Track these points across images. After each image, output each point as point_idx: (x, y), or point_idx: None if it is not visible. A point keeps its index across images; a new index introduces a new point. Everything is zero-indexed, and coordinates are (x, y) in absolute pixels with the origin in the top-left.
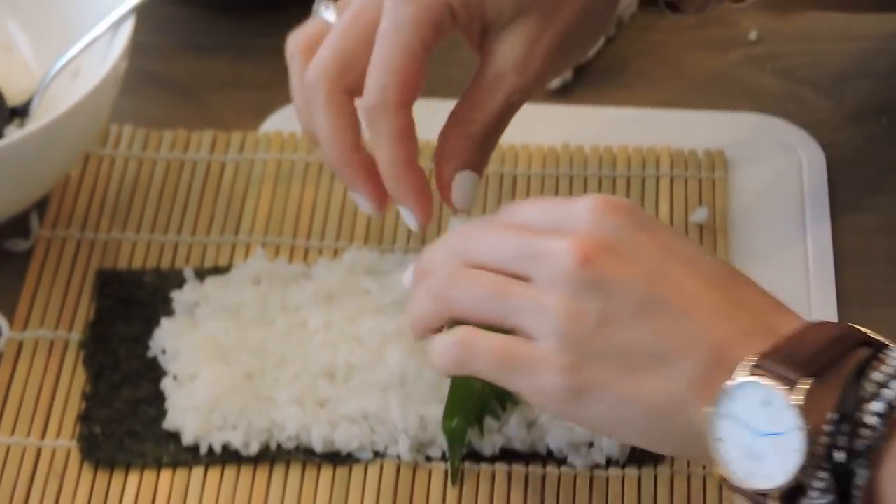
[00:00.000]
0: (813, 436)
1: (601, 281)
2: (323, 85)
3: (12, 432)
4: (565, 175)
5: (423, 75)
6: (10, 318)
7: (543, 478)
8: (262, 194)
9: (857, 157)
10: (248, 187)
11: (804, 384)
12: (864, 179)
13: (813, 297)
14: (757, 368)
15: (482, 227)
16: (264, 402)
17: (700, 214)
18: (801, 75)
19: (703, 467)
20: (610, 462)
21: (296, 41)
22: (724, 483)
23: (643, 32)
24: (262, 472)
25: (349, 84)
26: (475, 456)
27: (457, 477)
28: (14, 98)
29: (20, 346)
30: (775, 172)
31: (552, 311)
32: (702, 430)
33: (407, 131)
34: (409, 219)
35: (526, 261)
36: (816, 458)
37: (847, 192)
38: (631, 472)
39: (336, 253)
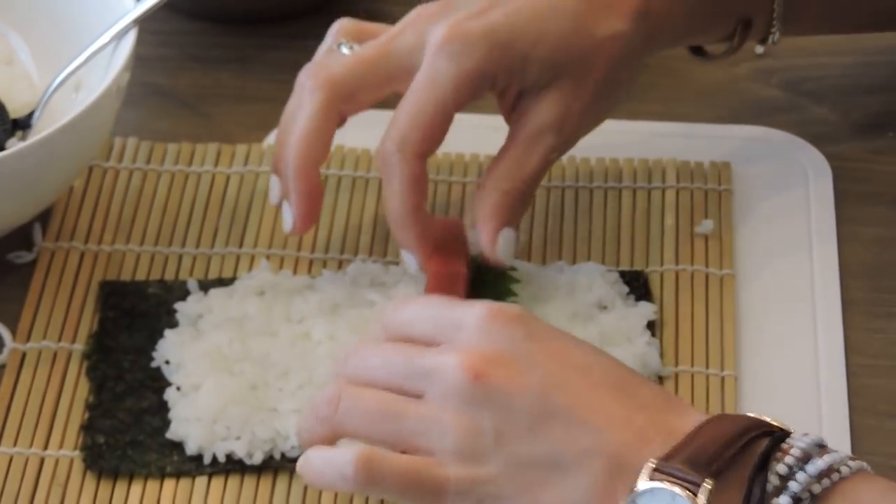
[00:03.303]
0: None
1: (494, 395)
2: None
3: (15, 443)
4: (571, 187)
5: (446, 131)
6: (13, 330)
7: None
8: (266, 207)
9: (862, 170)
10: (252, 200)
11: (708, 485)
12: (870, 192)
13: (818, 309)
14: (658, 473)
15: (364, 346)
16: (268, 412)
17: (706, 226)
18: (808, 88)
19: None
20: None
21: (316, 75)
22: None
23: None
24: (265, 482)
25: (335, 95)
26: None
27: None
28: (16, 111)
29: (23, 356)
30: (781, 185)
31: (447, 428)
32: None
33: (419, 181)
34: (410, 263)
35: (415, 378)
36: None
37: (852, 205)
38: None
39: (340, 265)
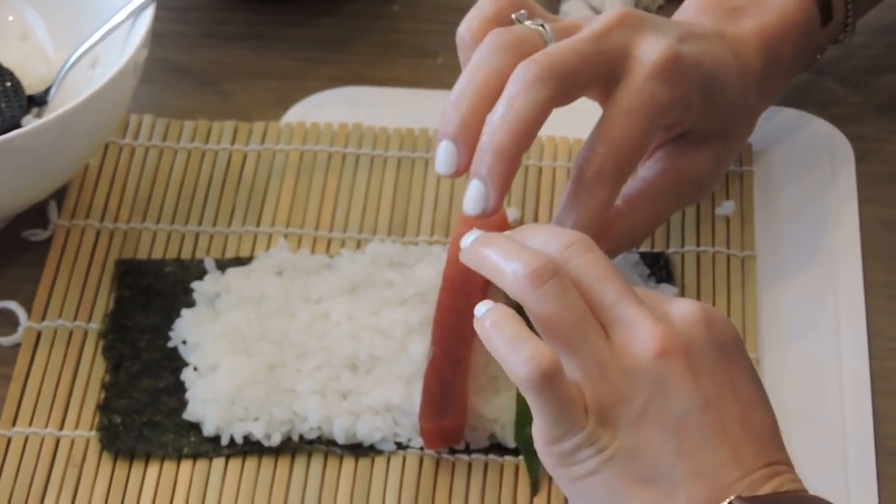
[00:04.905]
0: None
1: (663, 379)
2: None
3: (30, 423)
4: None
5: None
6: (29, 308)
7: None
8: (284, 185)
9: (885, 151)
10: (270, 178)
11: None
12: (893, 173)
13: (840, 290)
14: None
15: (599, 252)
16: (286, 393)
17: (727, 207)
18: (830, 69)
19: None
20: None
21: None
22: None
23: None
24: (283, 464)
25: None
26: (499, 449)
27: (536, 487)
28: (32, 87)
29: (38, 335)
30: (803, 166)
31: (605, 381)
32: None
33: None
34: (479, 197)
35: (612, 316)
36: None
37: (874, 186)
38: None
39: (359, 244)
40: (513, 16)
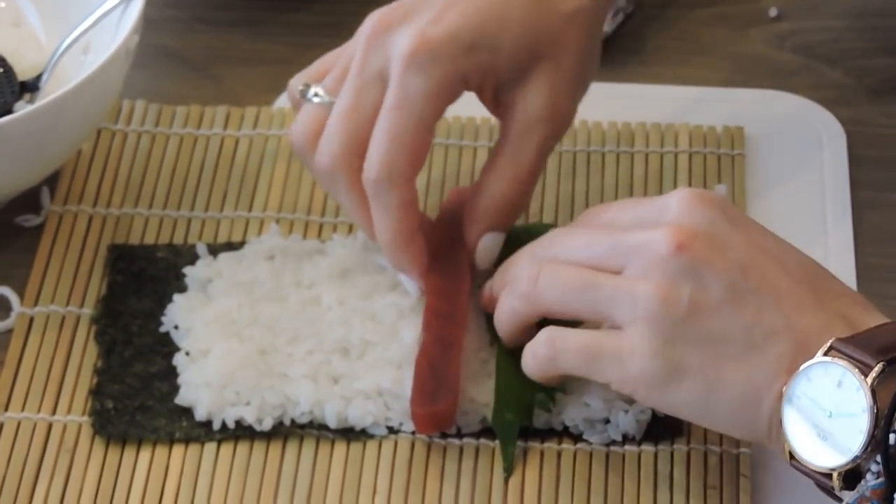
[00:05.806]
0: (877, 418)
1: (694, 268)
2: (340, 172)
3: (23, 408)
4: (583, 151)
5: (429, 146)
6: (21, 294)
7: (559, 454)
8: (276, 170)
9: (877, 134)
10: (262, 163)
11: (877, 368)
12: (884, 156)
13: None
14: (835, 351)
15: (567, 231)
16: (278, 377)
17: (719, 191)
18: (822, 52)
19: (721, 443)
20: (626, 439)
21: (300, 134)
22: (792, 462)
23: (662, 9)
24: (275, 448)
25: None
26: (491, 433)
27: (511, 472)
28: (24, 73)
29: (31, 321)
30: (795, 149)
31: (644, 296)
32: (777, 410)
33: (412, 203)
34: (409, 286)
35: (618, 256)
36: (877, 441)
37: (867, 169)
38: (647, 448)
39: (351, 229)
40: (298, 92)
